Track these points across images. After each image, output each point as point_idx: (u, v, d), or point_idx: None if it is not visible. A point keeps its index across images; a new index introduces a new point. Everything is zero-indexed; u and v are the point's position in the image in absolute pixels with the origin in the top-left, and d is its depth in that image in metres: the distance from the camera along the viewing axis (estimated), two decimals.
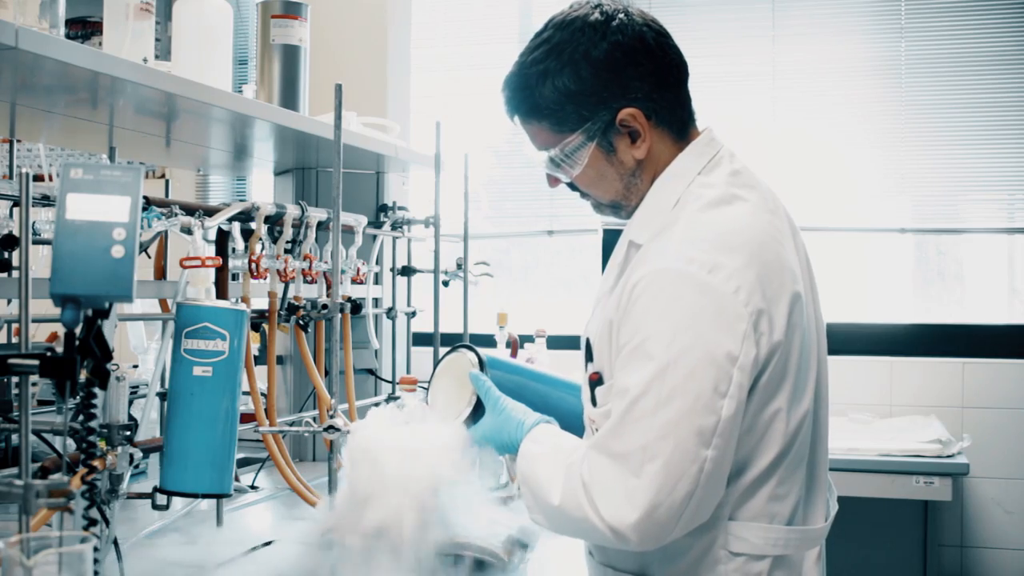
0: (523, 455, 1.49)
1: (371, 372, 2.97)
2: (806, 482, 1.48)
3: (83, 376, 1.26)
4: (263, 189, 3.79)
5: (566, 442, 1.48)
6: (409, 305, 3.04)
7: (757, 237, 1.41)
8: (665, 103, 1.50)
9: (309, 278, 2.23)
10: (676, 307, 1.35)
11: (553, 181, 1.59)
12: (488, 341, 3.01)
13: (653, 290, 1.36)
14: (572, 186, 1.58)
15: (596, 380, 1.47)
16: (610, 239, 4.01)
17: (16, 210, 1.75)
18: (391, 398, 2.73)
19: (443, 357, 1.72)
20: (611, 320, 1.43)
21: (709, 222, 1.42)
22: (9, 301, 2.02)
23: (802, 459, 1.46)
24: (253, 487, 2.50)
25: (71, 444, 1.48)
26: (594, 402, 1.48)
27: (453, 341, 2.79)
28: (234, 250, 2.03)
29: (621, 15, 1.48)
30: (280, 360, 2.89)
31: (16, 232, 1.68)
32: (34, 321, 1.38)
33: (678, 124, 1.52)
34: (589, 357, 1.50)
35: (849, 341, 3.71)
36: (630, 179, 1.52)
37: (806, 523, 1.48)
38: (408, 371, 3.00)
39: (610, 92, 1.47)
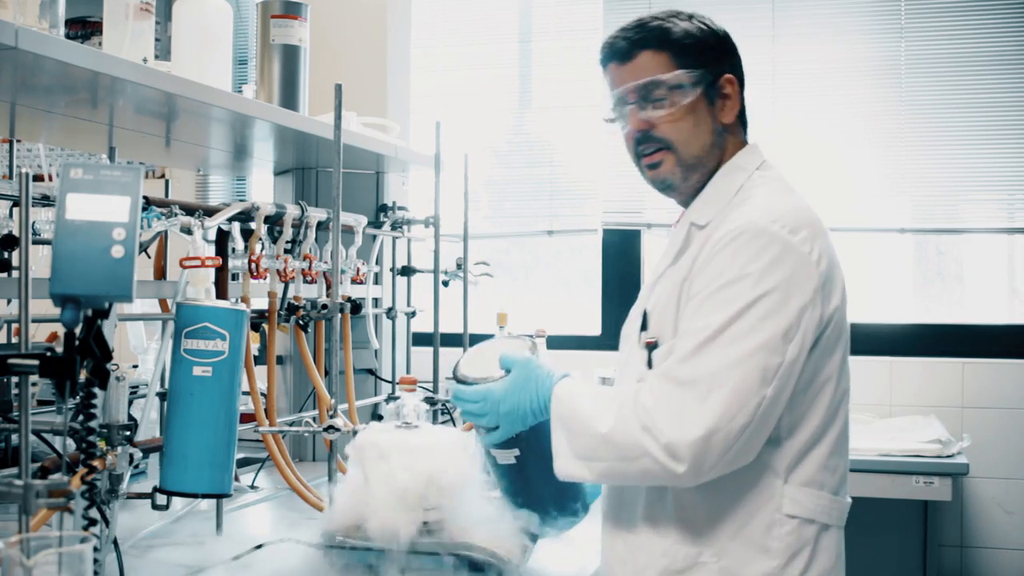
0: (558, 397, 1.56)
1: (371, 372, 2.96)
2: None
3: (83, 376, 1.26)
4: (263, 189, 3.78)
5: (601, 386, 1.60)
6: (409, 305, 3.04)
7: (819, 221, 1.59)
8: (742, 91, 1.69)
9: (309, 278, 2.23)
10: (760, 257, 1.50)
11: (636, 122, 1.63)
12: None
13: (741, 240, 1.51)
14: (648, 138, 1.63)
15: (653, 345, 1.60)
16: (610, 239, 4.01)
17: (16, 210, 1.75)
18: (391, 398, 2.73)
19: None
20: (683, 278, 1.57)
21: (782, 199, 1.60)
22: (9, 301, 2.02)
23: (847, 435, 1.59)
24: (253, 487, 2.50)
25: (71, 444, 1.48)
26: (650, 365, 1.59)
27: (453, 341, 2.80)
28: (234, 250, 2.03)
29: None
30: (280, 360, 2.89)
31: (16, 232, 1.68)
32: (34, 321, 1.38)
33: (743, 119, 1.71)
34: (644, 327, 1.63)
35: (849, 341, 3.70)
36: (717, 138, 1.65)
37: (845, 498, 1.60)
38: (408, 371, 2.99)
39: (720, 55, 1.66)
